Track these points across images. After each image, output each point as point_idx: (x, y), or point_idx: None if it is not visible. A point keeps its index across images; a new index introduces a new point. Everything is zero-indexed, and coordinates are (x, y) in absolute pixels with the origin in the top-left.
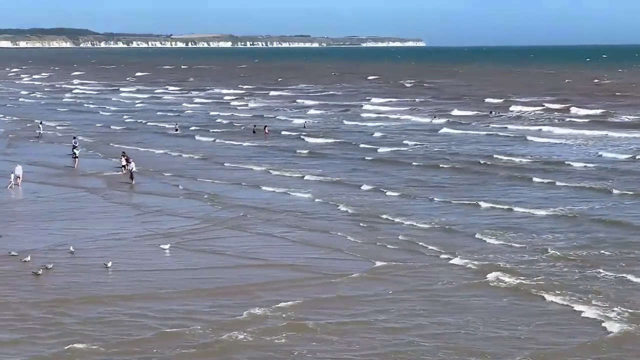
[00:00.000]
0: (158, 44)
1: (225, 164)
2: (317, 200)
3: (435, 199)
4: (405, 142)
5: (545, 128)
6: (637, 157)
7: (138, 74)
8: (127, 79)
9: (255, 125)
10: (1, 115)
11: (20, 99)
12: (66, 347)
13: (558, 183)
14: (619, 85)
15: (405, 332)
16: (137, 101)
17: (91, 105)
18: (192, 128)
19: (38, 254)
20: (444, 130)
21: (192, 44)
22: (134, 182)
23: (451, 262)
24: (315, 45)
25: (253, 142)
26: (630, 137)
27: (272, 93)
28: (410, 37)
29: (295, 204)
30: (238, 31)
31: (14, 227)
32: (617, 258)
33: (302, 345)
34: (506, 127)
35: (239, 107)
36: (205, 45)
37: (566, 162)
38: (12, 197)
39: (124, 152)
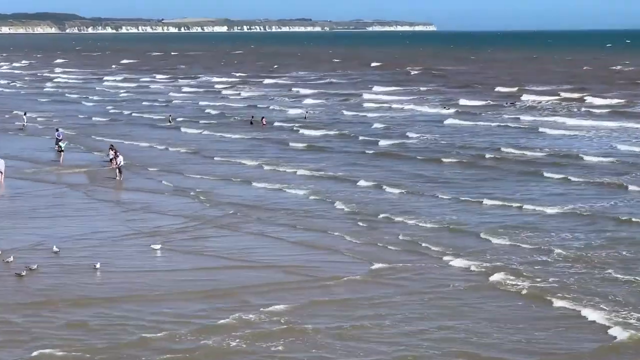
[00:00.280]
0: (149, 29)
1: (215, 158)
2: (313, 197)
3: (440, 196)
4: (409, 134)
5: (560, 119)
6: None
7: (125, 61)
8: (113, 66)
9: (253, 117)
10: None
11: None
12: (34, 354)
13: (571, 178)
14: None
15: (409, 337)
16: (122, 90)
17: (73, 95)
18: (181, 119)
19: (20, 254)
20: (452, 121)
21: (185, 29)
22: (121, 178)
23: (455, 263)
24: (318, 29)
25: (245, 135)
26: None
27: (266, 81)
28: (420, 21)
29: (289, 202)
30: (234, 15)
31: None
32: (633, 259)
33: (302, 352)
34: (518, 118)
35: (230, 97)
36: (199, 30)
37: (581, 156)
38: None
39: (112, 145)
